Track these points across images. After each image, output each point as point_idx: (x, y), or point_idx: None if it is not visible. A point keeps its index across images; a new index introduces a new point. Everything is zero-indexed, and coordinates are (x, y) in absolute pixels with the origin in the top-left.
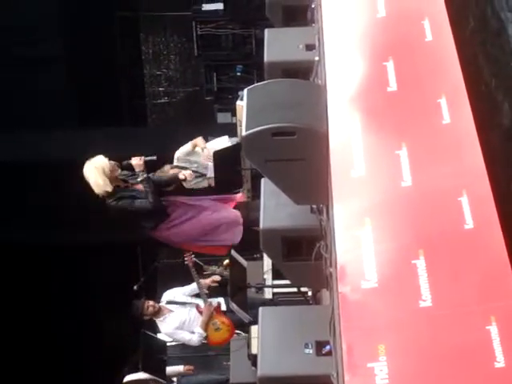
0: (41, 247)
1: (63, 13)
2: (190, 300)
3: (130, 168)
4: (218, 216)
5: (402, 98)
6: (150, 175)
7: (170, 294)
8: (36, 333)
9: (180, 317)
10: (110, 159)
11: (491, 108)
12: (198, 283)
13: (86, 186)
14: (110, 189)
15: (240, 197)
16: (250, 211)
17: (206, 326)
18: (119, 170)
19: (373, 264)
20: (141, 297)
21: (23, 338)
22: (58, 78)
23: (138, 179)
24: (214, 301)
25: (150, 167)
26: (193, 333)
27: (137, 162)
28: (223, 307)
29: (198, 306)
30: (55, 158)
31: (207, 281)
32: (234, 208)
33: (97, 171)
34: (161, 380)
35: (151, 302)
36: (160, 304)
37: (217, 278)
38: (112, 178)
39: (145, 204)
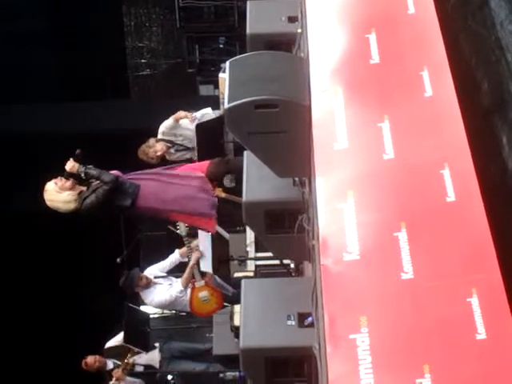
0: (24, 215)
1: None
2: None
3: (73, 175)
4: (186, 183)
5: (384, 71)
6: (86, 167)
7: (148, 272)
8: (21, 303)
9: (174, 287)
10: (54, 176)
11: (471, 87)
12: (189, 247)
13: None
14: (75, 197)
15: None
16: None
17: (186, 282)
18: (68, 180)
19: (355, 236)
20: (124, 269)
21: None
22: (44, 52)
23: (82, 175)
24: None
25: (81, 160)
26: (170, 285)
27: (68, 166)
28: None
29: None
30: (43, 131)
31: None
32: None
33: (55, 194)
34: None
35: (145, 274)
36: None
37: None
38: (70, 188)
39: (106, 188)
